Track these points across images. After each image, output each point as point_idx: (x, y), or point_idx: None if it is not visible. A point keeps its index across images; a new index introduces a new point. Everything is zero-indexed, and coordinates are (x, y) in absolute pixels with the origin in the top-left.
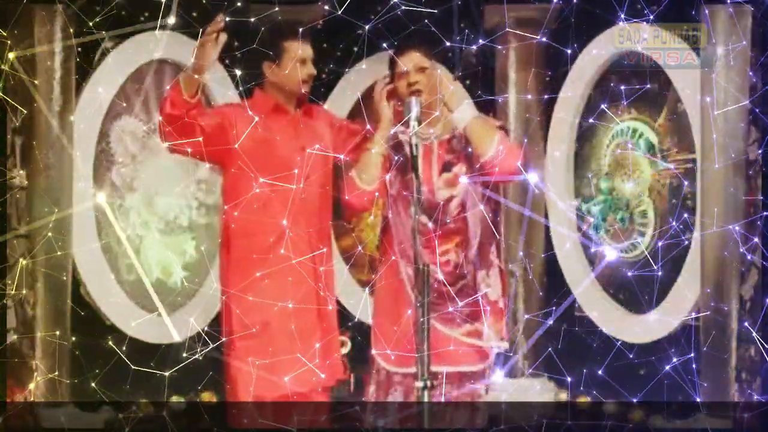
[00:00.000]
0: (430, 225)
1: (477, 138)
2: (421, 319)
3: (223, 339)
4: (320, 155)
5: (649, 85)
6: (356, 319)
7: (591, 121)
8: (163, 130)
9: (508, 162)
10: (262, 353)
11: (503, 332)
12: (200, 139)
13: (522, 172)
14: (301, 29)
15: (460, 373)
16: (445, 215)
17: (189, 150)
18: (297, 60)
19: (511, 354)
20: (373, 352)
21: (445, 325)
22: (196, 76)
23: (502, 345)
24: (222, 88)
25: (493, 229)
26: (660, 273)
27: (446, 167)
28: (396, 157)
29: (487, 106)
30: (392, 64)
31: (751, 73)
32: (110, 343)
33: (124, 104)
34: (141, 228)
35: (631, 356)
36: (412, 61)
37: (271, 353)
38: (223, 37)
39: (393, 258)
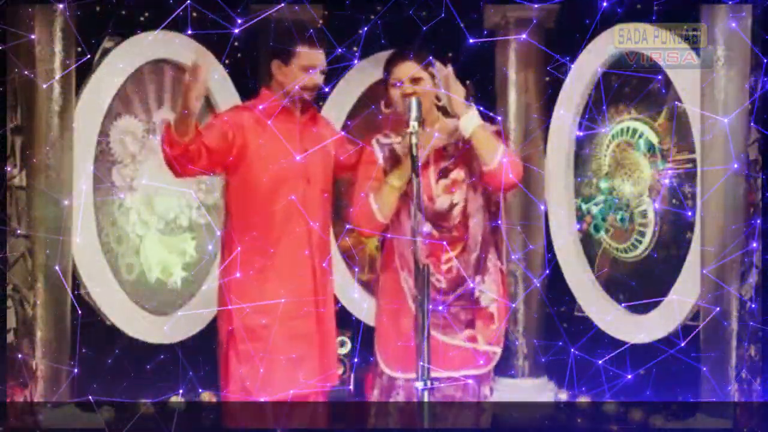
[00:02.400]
0: (434, 233)
1: (481, 148)
2: (421, 324)
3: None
4: (322, 159)
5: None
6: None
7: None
8: (170, 163)
9: (508, 175)
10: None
11: (493, 337)
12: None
13: (520, 184)
14: (312, 34)
15: (460, 377)
16: (448, 222)
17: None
18: (303, 66)
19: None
20: (378, 358)
21: (446, 333)
22: (186, 119)
23: (492, 349)
24: (222, 88)
25: (492, 235)
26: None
27: (443, 173)
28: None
29: (487, 106)
30: (386, 71)
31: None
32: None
33: (124, 104)
34: (141, 228)
35: (631, 356)
36: (406, 71)
37: (267, 356)
38: (206, 75)
39: (395, 262)
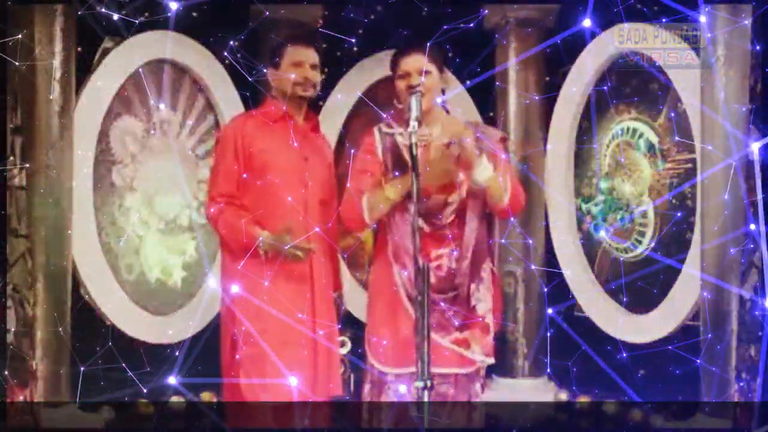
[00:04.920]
0: (425, 228)
1: (493, 192)
2: (421, 321)
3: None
4: (321, 167)
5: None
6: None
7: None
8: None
9: (513, 206)
10: (261, 359)
11: (488, 348)
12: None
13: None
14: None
15: (451, 374)
16: (440, 220)
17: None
18: (292, 62)
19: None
20: (368, 354)
21: (436, 331)
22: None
23: (487, 360)
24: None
25: (488, 243)
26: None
27: None
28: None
29: (487, 105)
30: (393, 63)
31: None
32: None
33: (124, 104)
34: (141, 228)
35: (630, 356)
36: (415, 63)
37: (268, 359)
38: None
39: (389, 258)
